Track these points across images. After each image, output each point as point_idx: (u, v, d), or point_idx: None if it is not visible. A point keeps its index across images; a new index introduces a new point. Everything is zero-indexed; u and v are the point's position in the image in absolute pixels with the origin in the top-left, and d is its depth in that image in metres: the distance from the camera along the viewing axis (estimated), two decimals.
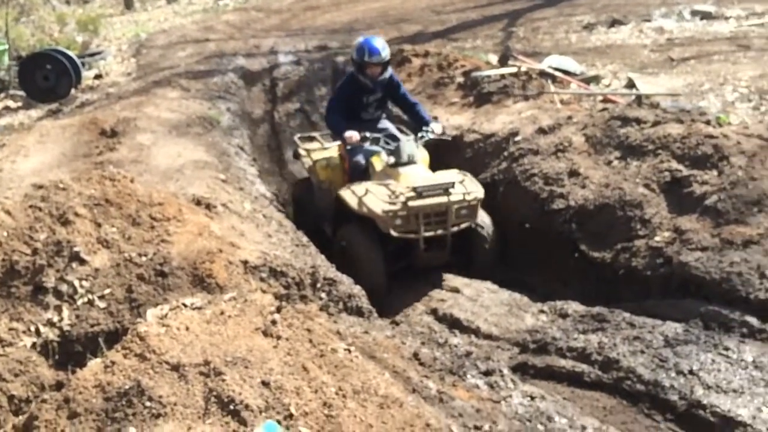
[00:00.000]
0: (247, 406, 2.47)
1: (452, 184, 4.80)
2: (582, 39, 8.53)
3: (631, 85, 6.26)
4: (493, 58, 7.56)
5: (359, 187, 4.93)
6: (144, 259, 3.66)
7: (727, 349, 3.53)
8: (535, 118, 5.95)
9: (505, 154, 5.75)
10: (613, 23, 9.13)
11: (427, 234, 4.80)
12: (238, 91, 8.55)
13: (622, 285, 4.48)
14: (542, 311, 4.42)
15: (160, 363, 2.63)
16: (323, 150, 5.87)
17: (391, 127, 5.67)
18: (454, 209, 4.80)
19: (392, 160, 5.10)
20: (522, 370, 3.70)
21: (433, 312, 4.56)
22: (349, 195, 4.93)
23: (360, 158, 5.37)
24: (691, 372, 3.38)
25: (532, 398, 3.18)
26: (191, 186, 5.07)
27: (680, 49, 7.19)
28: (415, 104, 5.58)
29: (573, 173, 5.17)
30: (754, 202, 4.30)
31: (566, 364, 3.68)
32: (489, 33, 9.64)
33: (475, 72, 7.08)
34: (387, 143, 5.16)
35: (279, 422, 2.45)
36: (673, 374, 3.39)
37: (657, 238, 4.48)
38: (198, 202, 4.54)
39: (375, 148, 5.21)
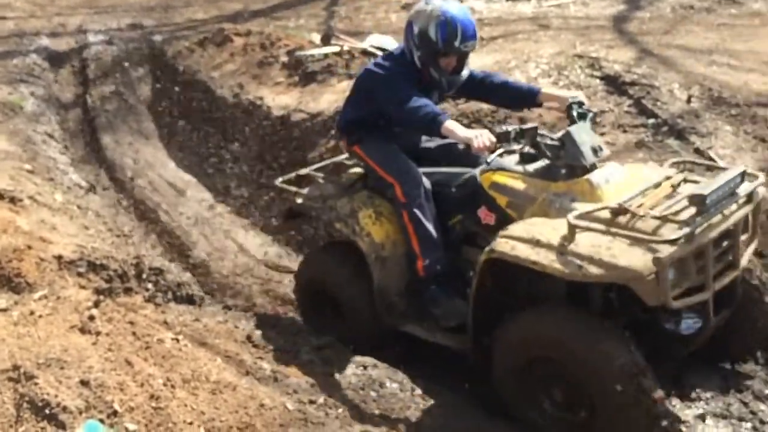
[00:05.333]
0: (64, 409, 2.33)
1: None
2: (402, 19, 8.78)
3: None
4: (317, 38, 7.58)
5: (547, 230, 2.69)
6: None
7: None
8: None
9: (332, 132, 5.82)
10: None
11: (720, 284, 2.74)
12: (44, 74, 7.87)
13: None
14: None
15: None
16: (338, 189, 3.60)
17: None
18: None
19: (560, 164, 2.95)
20: None
21: (267, 292, 4.55)
22: (538, 250, 2.64)
23: (424, 185, 3.29)
24: None
25: (365, 367, 3.30)
26: None
27: (489, 28, 7.65)
28: (506, 80, 3.56)
29: None
30: None
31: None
32: (312, 12, 9.64)
33: (299, 51, 7.07)
34: (538, 141, 2.95)
35: (102, 421, 2.35)
36: None
37: None
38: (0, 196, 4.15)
39: (490, 159, 3.00)
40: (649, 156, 4.56)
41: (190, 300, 3.96)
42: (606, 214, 2.66)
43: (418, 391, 3.16)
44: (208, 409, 2.59)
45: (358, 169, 3.73)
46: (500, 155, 3.04)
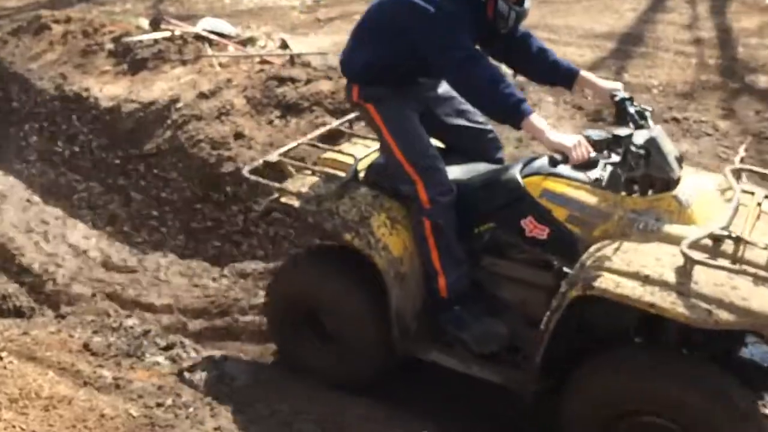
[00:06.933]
0: None
1: None
2: (235, 2, 8.57)
3: (284, 45, 6.48)
4: (145, 23, 7.19)
5: (649, 261, 2.28)
6: None
7: None
8: (195, 83, 5.85)
9: (169, 122, 5.57)
10: None
11: None
12: None
13: (295, 236, 4.70)
14: (223, 275, 4.45)
15: None
16: (332, 186, 2.89)
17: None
18: None
19: (636, 175, 2.44)
20: (205, 337, 3.69)
21: (108, 296, 4.28)
22: (651, 290, 2.20)
23: (453, 188, 2.75)
24: None
25: (216, 363, 3.20)
26: None
27: (326, 10, 7.66)
28: (545, 47, 2.92)
29: (238, 135, 5.22)
30: None
31: (249, 321, 3.77)
32: None
33: (126, 38, 6.66)
34: (632, 150, 2.41)
35: None
36: None
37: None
38: None
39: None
40: None
41: (18, 312, 3.65)
42: (707, 242, 2.28)
43: (273, 380, 3.11)
44: (41, 428, 2.40)
45: (336, 155, 3.08)
46: (532, 158, 2.70)
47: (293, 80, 5.51)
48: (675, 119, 5.13)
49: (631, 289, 2.21)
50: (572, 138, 2.40)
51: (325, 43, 6.33)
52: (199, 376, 3.08)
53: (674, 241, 2.30)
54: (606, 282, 2.25)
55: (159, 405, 2.75)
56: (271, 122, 5.32)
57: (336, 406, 2.88)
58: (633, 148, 2.39)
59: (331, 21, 7.25)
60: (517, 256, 2.72)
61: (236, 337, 3.68)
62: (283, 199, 2.95)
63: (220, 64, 6.17)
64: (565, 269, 2.50)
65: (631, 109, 2.62)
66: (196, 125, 5.35)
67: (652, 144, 2.41)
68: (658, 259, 2.27)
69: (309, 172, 3.04)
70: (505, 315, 2.73)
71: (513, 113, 2.48)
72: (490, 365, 2.69)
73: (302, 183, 2.97)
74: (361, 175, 2.92)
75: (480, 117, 2.99)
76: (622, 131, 2.43)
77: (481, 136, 2.99)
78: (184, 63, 6.25)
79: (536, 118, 2.48)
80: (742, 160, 4.43)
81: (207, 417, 2.74)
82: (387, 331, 2.75)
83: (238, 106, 5.44)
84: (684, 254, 2.18)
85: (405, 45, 2.66)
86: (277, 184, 2.98)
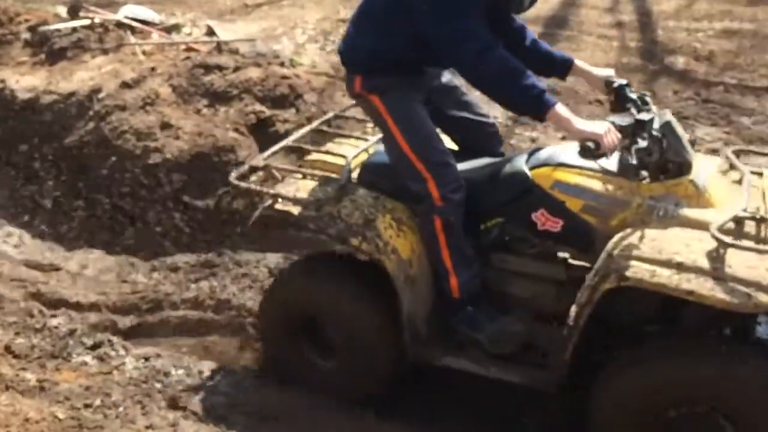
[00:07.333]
0: None
1: None
2: None
3: (210, 32, 6.34)
4: (63, 10, 6.89)
5: (678, 247, 2.24)
6: None
7: None
8: (117, 72, 5.65)
9: (91, 113, 5.37)
10: None
11: None
12: None
13: (227, 227, 4.63)
14: (154, 269, 4.34)
15: None
16: (330, 189, 2.76)
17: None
18: None
19: (650, 160, 2.38)
20: (135, 334, 3.59)
21: (32, 295, 4.11)
22: (687, 276, 2.17)
23: (463, 184, 2.65)
24: None
25: (146, 359, 3.13)
26: None
27: None
28: (536, 38, 2.88)
29: (165, 126, 5.08)
30: None
31: (181, 316, 3.70)
32: None
33: (44, 26, 6.38)
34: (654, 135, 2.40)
35: None
36: None
37: (252, 178, 4.71)
38: None
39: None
40: None
41: None
42: (730, 224, 2.27)
43: (207, 374, 3.06)
44: None
45: (323, 156, 2.92)
46: (536, 149, 2.65)
47: (221, 68, 5.40)
48: (598, 101, 5.28)
49: (667, 277, 2.16)
50: (602, 125, 2.32)
51: (254, 30, 6.23)
52: (130, 374, 3.01)
53: (696, 225, 2.29)
54: (641, 272, 2.19)
55: (87, 406, 2.68)
56: (199, 111, 5.20)
57: (271, 398, 2.86)
58: (654, 133, 2.35)
59: (259, 7, 7.13)
60: (526, 251, 2.65)
61: (169, 332, 3.60)
62: (278, 206, 2.76)
63: (144, 53, 5.99)
64: (570, 260, 2.45)
65: (633, 95, 2.57)
66: (120, 116, 5.18)
67: (668, 128, 2.39)
68: (687, 245, 2.22)
69: (300, 176, 2.85)
70: (517, 312, 2.65)
71: (537, 105, 2.38)
72: (510, 366, 2.59)
73: (296, 188, 2.78)
74: (354, 175, 2.79)
75: (482, 109, 2.92)
76: (644, 116, 2.37)
77: (484, 129, 2.90)
78: (105, 52, 6.03)
79: (561, 108, 2.38)
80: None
81: (138, 415, 2.68)
82: (397, 337, 2.64)
83: (164, 96, 5.29)
84: (716, 238, 2.16)
85: (411, 31, 2.50)
86: (271, 191, 2.79)
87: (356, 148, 2.90)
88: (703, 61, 5.99)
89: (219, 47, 5.86)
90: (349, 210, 2.64)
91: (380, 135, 2.83)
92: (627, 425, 2.35)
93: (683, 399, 2.27)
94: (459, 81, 2.86)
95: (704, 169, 2.48)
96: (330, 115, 3.26)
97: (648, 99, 2.58)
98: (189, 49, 5.95)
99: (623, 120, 2.35)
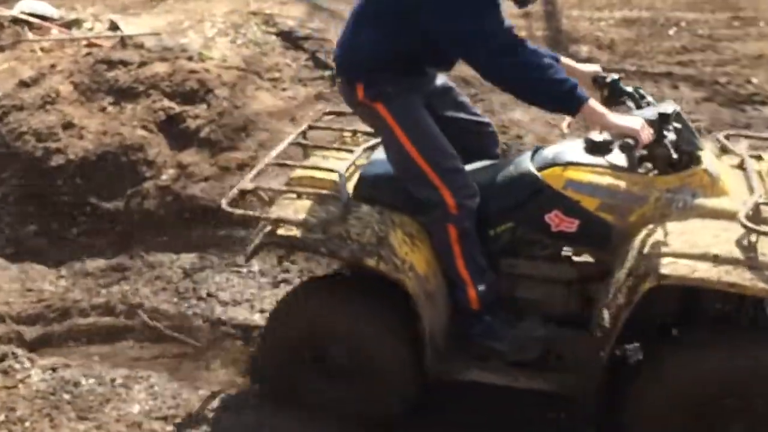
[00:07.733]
0: None
1: None
2: None
3: (114, 27, 6.10)
4: None
5: (708, 239, 2.24)
6: None
7: (239, 266, 3.88)
8: (14, 71, 5.38)
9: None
10: None
11: None
12: None
13: (139, 229, 4.49)
14: (61, 276, 4.15)
15: None
16: (332, 208, 2.56)
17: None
18: None
19: (657, 153, 2.38)
20: (42, 344, 3.43)
21: None
22: (726, 269, 2.15)
23: (472, 196, 2.53)
24: (209, 295, 3.63)
25: (54, 370, 3.00)
26: None
27: None
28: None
29: (67, 125, 4.87)
30: (240, 129, 4.75)
31: (91, 323, 3.56)
32: None
33: None
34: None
35: None
36: (194, 302, 3.59)
37: (164, 177, 4.60)
38: None
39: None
40: (329, 107, 4.75)
41: None
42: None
43: (120, 381, 2.96)
44: None
45: (311, 171, 2.72)
46: (538, 148, 2.59)
47: (125, 63, 5.21)
48: None
49: (706, 271, 2.13)
50: (637, 120, 2.28)
51: (159, 24, 6.03)
52: (36, 387, 2.87)
53: (715, 215, 2.30)
54: (680, 268, 2.15)
55: None
56: (103, 109, 5.00)
57: (188, 400, 2.79)
58: (674, 125, 2.34)
59: (164, 0, 6.90)
60: (537, 254, 2.59)
61: (78, 340, 3.45)
62: (280, 231, 2.54)
63: (42, 49, 5.73)
64: (575, 258, 2.45)
65: (628, 89, 2.56)
66: (18, 116, 4.92)
67: (679, 118, 2.38)
68: (716, 236, 2.20)
69: (294, 195, 2.64)
70: (531, 317, 2.59)
71: (569, 100, 2.27)
72: (538, 374, 2.52)
73: (294, 209, 2.57)
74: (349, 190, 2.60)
75: (477, 110, 2.85)
76: (666, 108, 2.35)
77: (481, 131, 2.80)
78: (1, 49, 5.73)
79: (594, 103, 2.29)
80: (569, 126, 4.74)
81: (46, 429, 2.58)
82: (417, 356, 2.54)
83: (65, 94, 5.06)
84: (746, 227, 2.15)
85: (418, 30, 2.35)
86: (272, 216, 2.57)
87: (345, 161, 2.71)
88: (605, 50, 6.21)
89: (123, 42, 5.65)
90: (359, 229, 2.48)
91: (365, 145, 2.73)
92: (679, 417, 2.32)
93: (727, 392, 2.27)
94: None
95: (709, 157, 2.45)
96: (304, 126, 3.04)
97: (643, 92, 2.57)
98: (91, 45, 5.72)
99: (650, 113, 2.33)
